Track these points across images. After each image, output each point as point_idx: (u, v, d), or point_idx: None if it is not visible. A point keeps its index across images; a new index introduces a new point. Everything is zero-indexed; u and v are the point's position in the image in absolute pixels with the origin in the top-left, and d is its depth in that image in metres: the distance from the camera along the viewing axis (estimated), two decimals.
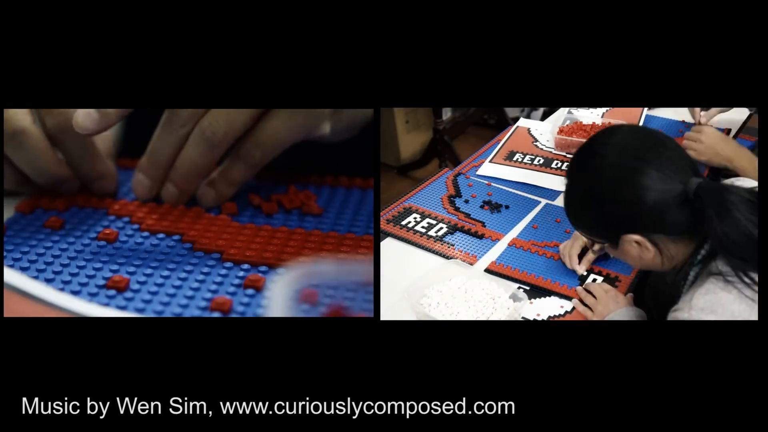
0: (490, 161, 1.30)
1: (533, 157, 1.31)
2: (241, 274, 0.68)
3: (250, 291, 0.65)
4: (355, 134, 0.83)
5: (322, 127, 0.78)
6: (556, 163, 1.29)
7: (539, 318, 0.89)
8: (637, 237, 0.75)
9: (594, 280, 0.95)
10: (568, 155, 1.30)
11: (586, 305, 0.90)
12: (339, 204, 0.80)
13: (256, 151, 0.75)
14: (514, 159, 1.31)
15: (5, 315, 0.57)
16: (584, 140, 1.40)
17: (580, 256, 0.97)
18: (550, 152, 1.33)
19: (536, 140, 1.38)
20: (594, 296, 0.90)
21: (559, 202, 1.15)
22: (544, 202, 1.16)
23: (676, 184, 0.71)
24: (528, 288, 0.94)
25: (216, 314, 0.62)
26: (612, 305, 0.88)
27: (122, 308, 0.62)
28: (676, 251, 0.76)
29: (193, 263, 0.69)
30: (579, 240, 0.97)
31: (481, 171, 1.27)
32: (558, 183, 1.20)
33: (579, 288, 0.93)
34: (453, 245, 1.05)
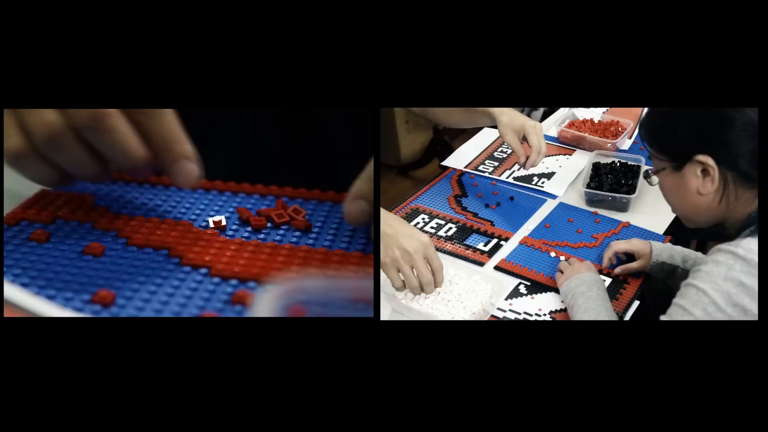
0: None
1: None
2: (229, 289, 0.67)
3: (238, 307, 0.65)
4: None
5: None
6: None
7: (541, 312, 0.91)
8: (710, 161, 0.73)
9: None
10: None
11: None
12: (329, 219, 0.80)
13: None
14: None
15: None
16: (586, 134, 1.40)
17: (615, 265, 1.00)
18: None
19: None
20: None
21: (569, 201, 1.16)
22: (557, 201, 1.16)
23: None
24: (529, 284, 0.96)
25: None
26: (583, 269, 0.92)
27: None
28: (735, 200, 0.73)
29: (180, 278, 0.68)
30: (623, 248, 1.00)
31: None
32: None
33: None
34: (464, 245, 1.06)
